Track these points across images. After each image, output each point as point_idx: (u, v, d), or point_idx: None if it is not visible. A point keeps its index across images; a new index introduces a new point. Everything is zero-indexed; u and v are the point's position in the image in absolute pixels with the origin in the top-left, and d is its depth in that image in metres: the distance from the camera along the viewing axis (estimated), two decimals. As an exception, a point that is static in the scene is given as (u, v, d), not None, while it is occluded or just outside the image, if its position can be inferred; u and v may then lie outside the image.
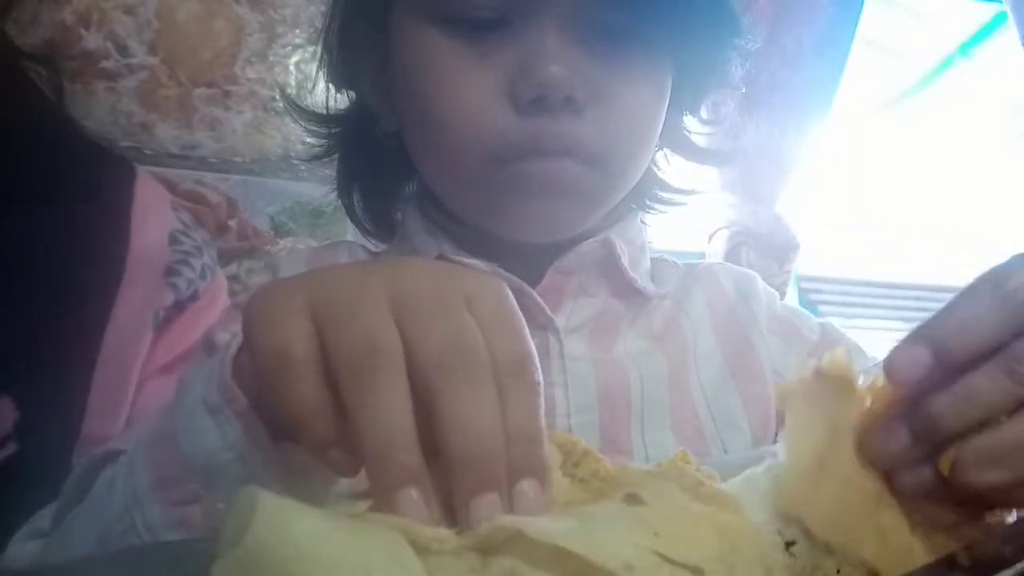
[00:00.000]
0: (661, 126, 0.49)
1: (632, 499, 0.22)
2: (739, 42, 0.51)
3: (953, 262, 1.88)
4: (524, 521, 0.20)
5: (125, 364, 0.57)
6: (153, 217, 0.61)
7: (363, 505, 0.22)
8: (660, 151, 0.57)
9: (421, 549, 0.20)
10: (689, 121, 0.56)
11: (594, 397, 0.47)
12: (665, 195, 0.58)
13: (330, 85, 0.55)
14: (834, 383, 0.25)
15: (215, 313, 0.64)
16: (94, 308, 0.56)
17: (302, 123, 0.57)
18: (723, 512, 0.22)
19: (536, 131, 0.42)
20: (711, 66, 0.52)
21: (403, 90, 0.48)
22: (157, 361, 0.59)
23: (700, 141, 0.57)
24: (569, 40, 0.42)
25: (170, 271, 0.61)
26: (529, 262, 0.49)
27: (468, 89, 0.43)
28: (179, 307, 0.61)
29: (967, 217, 1.83)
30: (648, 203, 0.58)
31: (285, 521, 0.19)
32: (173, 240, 0.62)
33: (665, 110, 0.49)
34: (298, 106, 0.57)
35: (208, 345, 0.49)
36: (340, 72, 0.54)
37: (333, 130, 0.57)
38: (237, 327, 0.50)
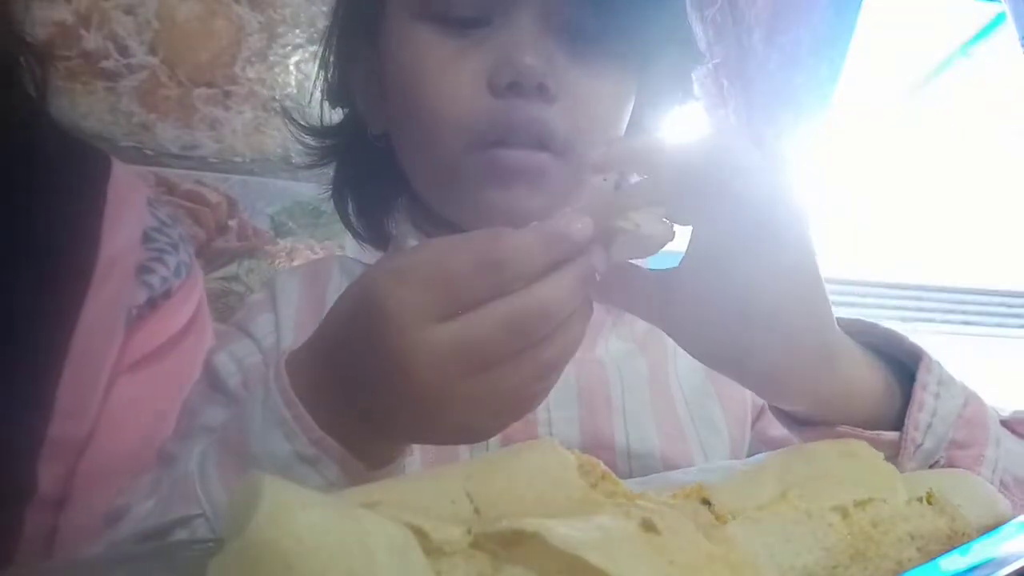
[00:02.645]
0: (623, 130, 0.52)
1: (647, 526, 0.22)
2: (699, 62, 0.55)
3: (953, 262, 1.89)
4: (545, 526, 0.20)
5: (95, 364, 0.56)
6: (126, 215, 0.60)
7: (376, 495, 0.22)
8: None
9: (432, 550, 0.20)
10: None
11: (574, 394, 0.48)
12: None
13: (326, 102, 0.58)
14: None
15: (189, 310, 0.63)
16: (62, 307, 0.55)
17: (297, 136, 0.60)
18: (734, 553, 0.22)
19: (511, 115, 0.45)
20: (672, 85, 0.56)
21: (392, 86, 0.50)
22: (127, 359, 0.59)
23: None
24: (544, 37, 0.46)
25: (143, 269, 0.60)
26: None
27: (449, 76, 0.46)
28: (152, 305, 0.60)
29: (966, 217, 1.83)
30: None
31: (289, 512, 0.18)
32: (147, 239, 0.61)
33: (627, 116, 0.52)
34: (294, 119, 0.60)
35: (210, 371, 0.50)
36: (336, 88, 0.57)
37: (327, 142, 0.59)
38: (235, 347, 0.51)
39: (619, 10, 0.47)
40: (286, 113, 0.60)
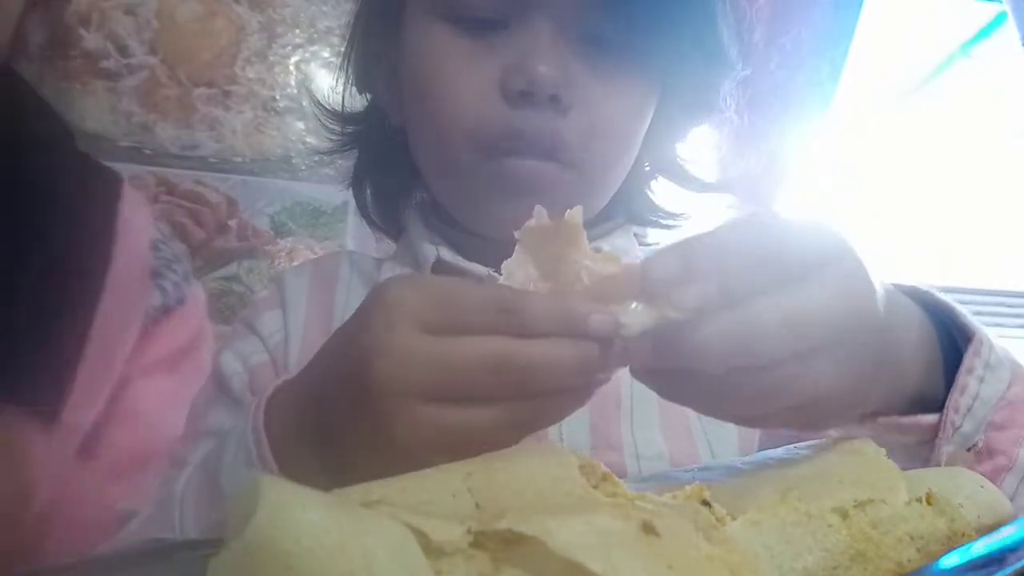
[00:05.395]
0: (640, 141, 0.51)
1: (647, 528, 0.22)
2: (728, 74, 0.52)
3: (952, 262, 1.89)
4: (546, 530, 0.20)
5: (109, 358, 0.59)
6: (138, 223, 0.64)
7: (376, 492, 0.22)
8: (655, 178, 0.59)
9: (432, 550, 0.20)
10: (682, 149, 0.58)
11: None
12: (657, 218, 0.60)
13: (351, 87, 0.58)
14: (567, 229, 0.28)
15: (198, 321, 0.67)
16: (79, 308, 0.58)
17: (322, 119, 0.60)
18: (733, 555, 0.22)
19: (522, 124, 0.44)
20: (699, 96, 0.54)
21: (409, 84, 0.50)
22: (141, 361, 0.61)
23: (693, 169, 0.59)
24: (562, 44, 0.45)
25: (156, 274, 0.64)
26: None
27: (463, 79, 0.45)
28: (166, 310, 0.63)
29: (966, 217, 1.83)
30: (642, 223, 0.60)
31: (288, 512, 0.18)
32: (155, 247, 0.65)
33: (646, 126, 0.51)
34: (321, 104, 0.60)
35: (216, 371, 0.51)
36: (360, 77, 0.57)
37: (349, 128, 0.59)
38: (240, 345, 0.51)
39: (642, 19, 0.45)
40: (312, 96, 0.61)
